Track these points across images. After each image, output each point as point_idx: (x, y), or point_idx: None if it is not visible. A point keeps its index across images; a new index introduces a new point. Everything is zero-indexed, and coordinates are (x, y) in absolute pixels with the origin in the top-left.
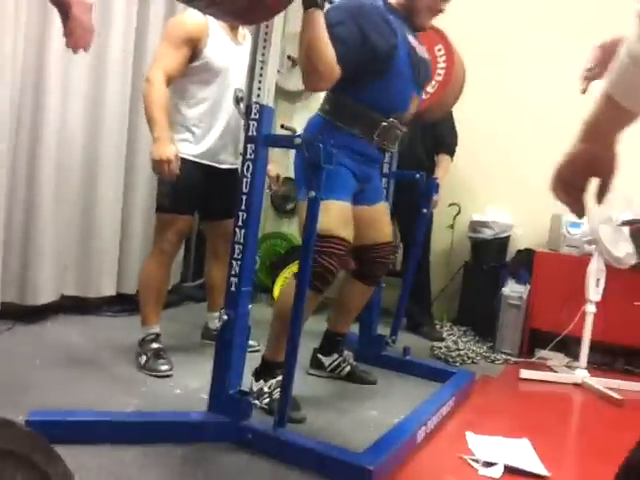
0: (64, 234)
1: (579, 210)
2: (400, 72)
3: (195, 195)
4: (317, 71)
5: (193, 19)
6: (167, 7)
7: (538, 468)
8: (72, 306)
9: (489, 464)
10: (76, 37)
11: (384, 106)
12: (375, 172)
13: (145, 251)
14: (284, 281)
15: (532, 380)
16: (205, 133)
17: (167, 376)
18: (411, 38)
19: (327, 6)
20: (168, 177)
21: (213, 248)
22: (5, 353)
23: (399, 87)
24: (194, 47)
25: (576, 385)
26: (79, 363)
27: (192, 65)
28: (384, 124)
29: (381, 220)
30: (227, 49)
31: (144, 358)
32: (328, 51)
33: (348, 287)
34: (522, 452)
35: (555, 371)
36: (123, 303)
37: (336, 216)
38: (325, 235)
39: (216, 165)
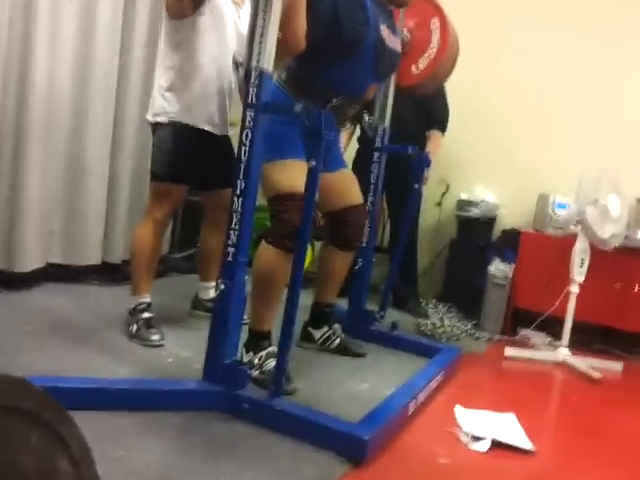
0: (50, 200)
1: None
2: (362, 61)
3: (191, 164)
4: (285, 40)
5: None
6: None
7: (524, 443)
8: (58, 274)
9: (477, 438)
10: None
11: (338, 88)
12: (334, 141)
13: (131, 220)
14: None
15: (516, 358)
16: (201, 94)
17: (159, 346)
18: (384, 28)
19: None
20: None
21: (211, 218)
22: None
23: (357, 74)
24: None
25: (557, 364)
26: (68, 331)
27: (192, 17)
28: (335, 101)
29: (347, 185)
30: (228, 8)
31: (135, 327)
32: (300, 24)
33: (327, 255)
34: (509, 426)
35: (538, 350)
36: (109, 272)
37: (298, 173)
38: (290, 193)
39: (212, 131)
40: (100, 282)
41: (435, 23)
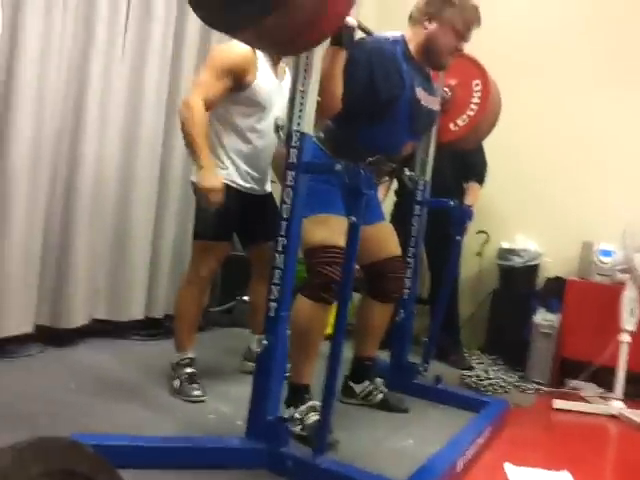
0: (97, 259)
1: None
2: (397, 121)
3: (234, 221)
4: (322, 103)
5: (240, 50)
6: (201, 38)
7: None
8: (102, 330)
9: None
10: None
11: (374, 147)
12: (372, 195)
13: (174, 277)
14: None
15: (566, 411)
16: (251, 168)
17: (200, 401)
18: (420, 90)
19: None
20: (213, 206)
21: (259, 271)
22: (40, 375)
23: (393, 134)
24: (237, 78)
25: (611, 416)
26: (112, 387)
27: (239, 94)
28: (371, 160)
29: (385, 237)
30: (271, 83)
31: (178, 383)
32: (337, 88)
33: (366, 308)
34: None
35: (589, 402)
36: (151, 327)
37: (334, 227)
38: (325, 245)
39: (259, 194)
40: (142, 337)
41: (477, 85)
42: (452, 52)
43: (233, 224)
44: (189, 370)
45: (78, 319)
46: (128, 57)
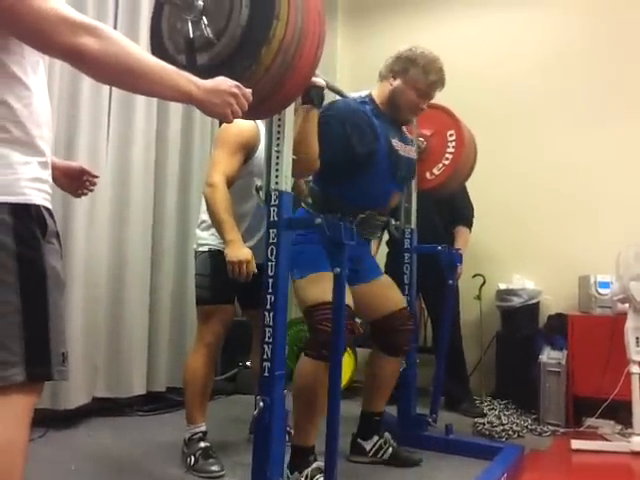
0: (93, 336)
1: None
2: (378, 173)
3: (234, 284)
4: (300, 161)
5: (248, 126)
6: (184, 126)
7: None
8: (103, 408)
9: None
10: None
11: (362, 202)
12: (365, 253)
13: (173, 348)
14: None
15: (585, 451)
16: (252, 232)
17: (220, 477)
18: (395, 141)
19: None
20: (243, 277)
21: (258, 336)
22: (40, 460)
23: (377, 186)
24: (248, 152)
25: (634, 453)
26: (115, 466)
27: (244, 165)
28: (362, 216)
29: (386, 291)
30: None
31: (192, 459)
32: (312, 146)
33: (376, 362)
34: None
35: (608, 439)
36: (152, 402)
37: (326, 284)
38: (320, 303)
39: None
40: (144, 412)
41: (452, 135)
42: (414, 110)
43: (233, 287)
44: (203, 445)
45: (78, 399)
46: (114, 138)
